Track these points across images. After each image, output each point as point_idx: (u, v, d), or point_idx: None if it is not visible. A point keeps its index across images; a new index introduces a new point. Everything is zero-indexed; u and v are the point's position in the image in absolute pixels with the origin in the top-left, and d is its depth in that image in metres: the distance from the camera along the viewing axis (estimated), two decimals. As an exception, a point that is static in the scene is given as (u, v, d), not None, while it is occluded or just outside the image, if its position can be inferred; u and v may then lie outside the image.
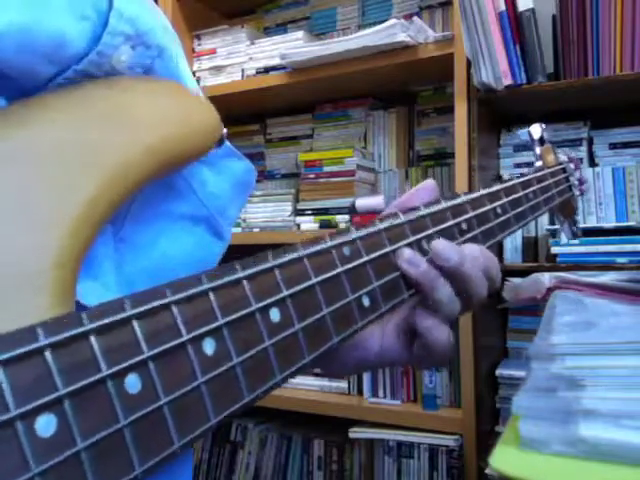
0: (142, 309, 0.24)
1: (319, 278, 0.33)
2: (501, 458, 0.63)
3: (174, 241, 0.37)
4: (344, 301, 0.34)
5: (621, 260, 1.18)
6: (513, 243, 1.41)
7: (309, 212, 1.62)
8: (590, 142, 1.41)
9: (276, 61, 1.61)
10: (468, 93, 1.32)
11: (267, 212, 1.70)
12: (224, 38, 1.75)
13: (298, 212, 1.65)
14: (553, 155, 0.77)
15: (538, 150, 0.78)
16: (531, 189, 0.59)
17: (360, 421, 1.47)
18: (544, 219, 1.36)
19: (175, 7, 1.76)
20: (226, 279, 0.28)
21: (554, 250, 1.24)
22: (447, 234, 0.43)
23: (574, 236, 0.84)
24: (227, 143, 0.39)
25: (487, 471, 0.63)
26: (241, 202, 0.42)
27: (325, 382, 1.57)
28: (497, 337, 1.41)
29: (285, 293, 0.31)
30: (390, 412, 1.43)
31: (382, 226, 0.39)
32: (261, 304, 0.29)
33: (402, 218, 0.41)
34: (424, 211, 0.43)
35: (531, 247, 1.40)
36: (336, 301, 0.34)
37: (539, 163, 0.76)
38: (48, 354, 0.21)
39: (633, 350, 0.65)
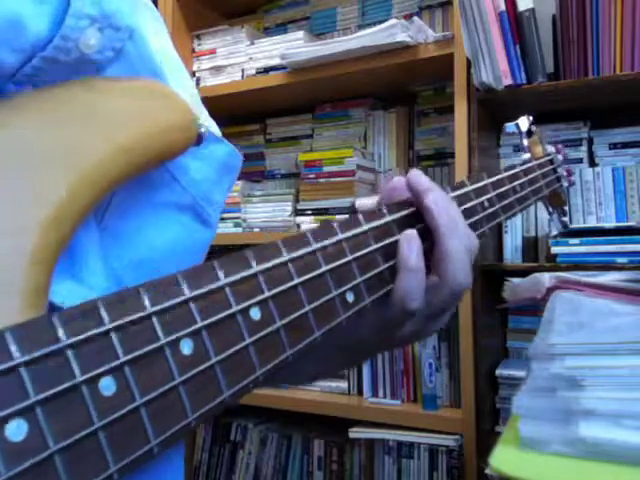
0: (119, 322, 0.24)
1: (302, 278, 0.33)
2: (501, 458, 0.63)
3: (160, 231, 0.36)
4: (327, 297, 0.34)
5: (621, 260, 1.18)
6: (513, 243, 1.41)
7: (309, 212, 1.62)
8: (590, 142, 1.41)
9: (276, 61, 1.61)
10: (468, 93, 1.32)
11: (267, 212, 1.69)
12: (224, 38, 1.75)
13: (298, 212, 1.65)
14: (541, 147, 0.77)
15: (526, 142, 0.78)
16: (518, 182, 0.60)
17: (360, 421, 1.47)
18: (544, 220, 1.36)
19: (175, 7, 1.76)
20: (208, 288, 0.28)
21: (554, 250, 1.24)
22: None
23: (564, 227, 0.85)
24: (209, 128, 0.38)
25: (487, 471, 0.63)
26: (227, 187, 0.41)
27: (325, 382, 1.57)
28: (497, 337, 1.41)
29: (267, 294, 0.30)
30: (390, 412, 1.43)
31: (368, 226, 0.39)
32: (242, 305, 0.29)
33: (387, 216, 0.41)
34: (411, 209, 0.43)
35: (531, 247, 1.40)
36: (319, 298, 0.34)
37: (527, 155, 0.76)
38: (22, 369, 0.21)
39: (633, 350, 0.65)
